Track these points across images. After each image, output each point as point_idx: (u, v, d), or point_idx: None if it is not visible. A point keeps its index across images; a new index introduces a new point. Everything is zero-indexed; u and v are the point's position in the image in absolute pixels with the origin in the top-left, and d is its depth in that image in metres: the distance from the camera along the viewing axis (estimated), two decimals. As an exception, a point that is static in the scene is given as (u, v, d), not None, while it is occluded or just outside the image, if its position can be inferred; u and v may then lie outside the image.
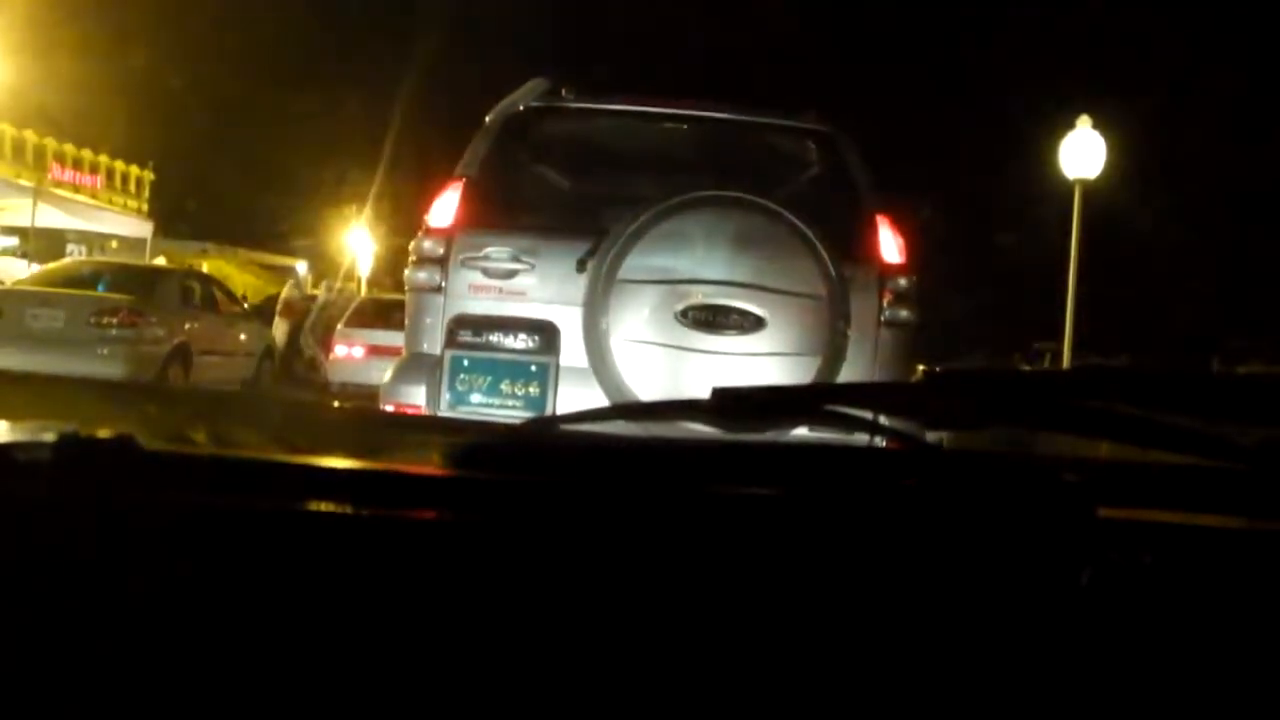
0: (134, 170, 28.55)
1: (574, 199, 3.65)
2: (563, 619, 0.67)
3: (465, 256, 3.52)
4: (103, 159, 27.83)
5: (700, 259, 3.30)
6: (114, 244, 20.25)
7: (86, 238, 19.90)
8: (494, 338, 3.17)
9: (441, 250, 3.52)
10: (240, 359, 11.44)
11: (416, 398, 3.33)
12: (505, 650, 0.66)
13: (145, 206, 26.60)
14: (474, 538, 0.72)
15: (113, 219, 20.97)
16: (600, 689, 0.65)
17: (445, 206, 3.56)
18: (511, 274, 3.51)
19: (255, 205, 28.39)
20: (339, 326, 12.73)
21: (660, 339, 3.30)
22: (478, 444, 1.00)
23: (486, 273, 3.52)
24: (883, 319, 3.51)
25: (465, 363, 3.14)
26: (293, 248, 25.70)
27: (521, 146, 3.69)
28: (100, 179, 27.75)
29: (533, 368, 3.14)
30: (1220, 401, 0.96)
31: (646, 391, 3.20)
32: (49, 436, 0.77)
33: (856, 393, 1.07)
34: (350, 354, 12.30)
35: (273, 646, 0.66)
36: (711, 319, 3.31)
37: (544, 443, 0.96)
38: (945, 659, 0.66)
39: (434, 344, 3.38)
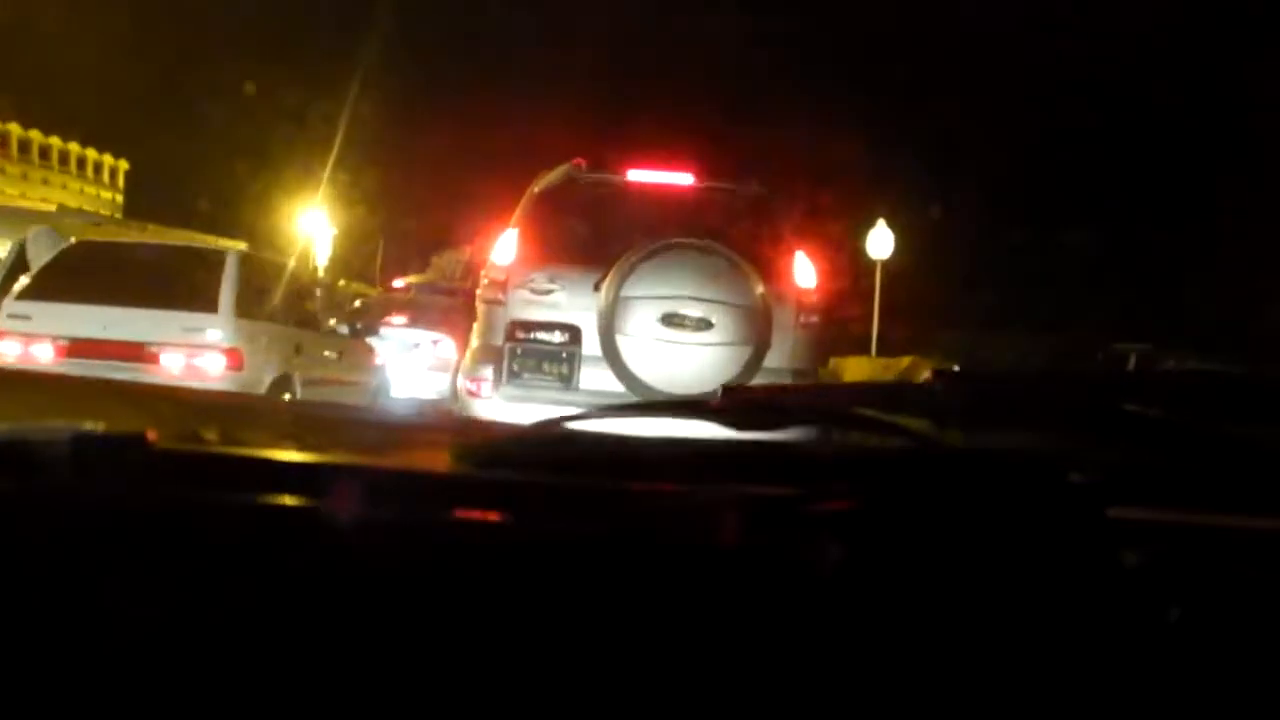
0: (107, 158, 26.59)
1: (589, 242, 5.23)
2: (568, 621, 0.67)
3: (518, 281, 5.17)
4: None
5: (672, 283, 4.95)
6: None
7: None
8: (538, 335, 4.98)
9: (502, 278, 5.21)
10: None
11: (487, 375, 5.07)
12: (511, 653, 0.66)
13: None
14: (485, 538, 0.72)
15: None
16: (605, 692, 0.65)
17: (504, 247, 5.30)
18: (549, 292, 5.13)
19: (191, 181, 26.02)
20: None
21: (647, 335, 4.94)
22: (489, 444, 1.03)
23: (533, 291, 5.14)
24: (799, 322, 5.16)
25: (519, 351, 4.98)
26: (234, 228, 23.34)
27: (553, 207, 5.34)
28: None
29: (564, 355, 4.97)
30: (1246, 403, 0.95)
31: (640, 371, 4.84)
32: (64, 434, 0.78)
33: (865, 392, 1.12)
34: (28, 353, 6.38)
35: (283, 644, 0.67)
36: (679, 321, 4.95)
37: (550, 442, 1.00)
38: (953, 664, 0.65)
39: (498, 339, 5.08)
